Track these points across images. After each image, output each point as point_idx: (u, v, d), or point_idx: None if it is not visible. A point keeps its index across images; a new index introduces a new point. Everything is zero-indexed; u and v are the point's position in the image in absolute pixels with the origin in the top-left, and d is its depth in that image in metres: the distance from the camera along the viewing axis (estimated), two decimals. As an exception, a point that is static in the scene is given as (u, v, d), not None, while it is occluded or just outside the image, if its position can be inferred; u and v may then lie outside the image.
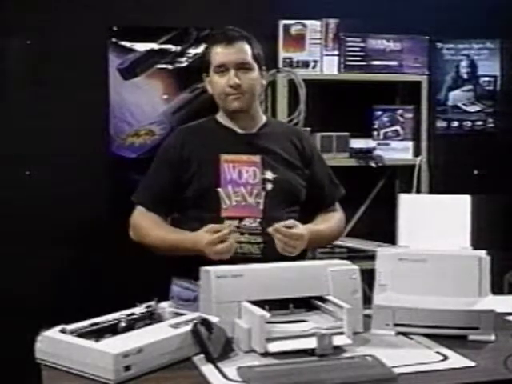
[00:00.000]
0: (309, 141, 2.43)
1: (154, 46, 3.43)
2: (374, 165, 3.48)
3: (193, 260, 2.08)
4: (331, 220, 2.35)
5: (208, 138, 2.28)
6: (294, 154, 2.30)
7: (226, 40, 2.21)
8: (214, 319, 1.74)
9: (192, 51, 3.46)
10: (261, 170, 2.14)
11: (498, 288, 2.18)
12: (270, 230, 2.07)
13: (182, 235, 2.18)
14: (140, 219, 2.27)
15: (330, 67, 3.48)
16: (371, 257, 2.45)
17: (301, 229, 2.11)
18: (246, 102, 2.23)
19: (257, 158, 2.13)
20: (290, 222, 2.10)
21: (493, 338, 1.86)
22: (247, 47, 2.23)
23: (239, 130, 2.28)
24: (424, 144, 3.57)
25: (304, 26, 3.45)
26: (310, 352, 1.72)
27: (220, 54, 2.21)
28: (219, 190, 2.14)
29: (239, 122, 2.28)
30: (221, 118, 2.31)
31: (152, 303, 1.89)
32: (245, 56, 2.21)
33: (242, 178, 2.12)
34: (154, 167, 2.31)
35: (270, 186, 2.20)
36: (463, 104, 3.83)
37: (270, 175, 2.20)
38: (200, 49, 3.44)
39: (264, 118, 2.36)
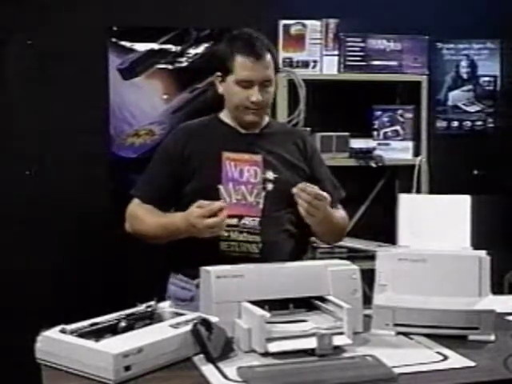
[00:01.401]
0: (311, 143, 2.43)
1: (154, 45, 3.42)
2: (373, 165, 3.48)
3: (191, 256, 2.08)
4: (336, 213, 2.34)
5: (210, 135, 2.28)
6: (297, 155, 2.31)
7: (254, 55, 2.17)
8: (213, 319, 1.74)
9: (192, 51, 3.46)
10: (262, 170, 2.13)
11: (497, 288, 2.18)
12: (294, 190, 2.07)
13: (174, 216, 2.19)
14: (135, 209, 2.27)
15: (329, 67, 3.48)
16: (371, 257, 2.45)
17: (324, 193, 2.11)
18: (262, 115, 2.27)
19: (258, 158, 2.13)
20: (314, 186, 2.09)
21: (493, 338, 1.86)
22: (271, 61, 2.21)
23: (242, 130, 2.29)
24: (424, 144, 3.57)
25: (304, 26, 3.45)
26: (310, 352, 1.72)
27: (247, 68, 2.17)
28: (220, 187, 2.13)
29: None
30: (224, 116, 2.32)
31: (152, 303, 1.89)
32: (270, 73, 2.21)
33: (243, 177, 2.12)
34: (154, 162, 2.32)
35: (270, 186, 2.20)
36: (463, 104, 3.83)
37: (270, 175, 2.21)
38: (200, 49, 3.45)
39: (267, 119, 2.37)
